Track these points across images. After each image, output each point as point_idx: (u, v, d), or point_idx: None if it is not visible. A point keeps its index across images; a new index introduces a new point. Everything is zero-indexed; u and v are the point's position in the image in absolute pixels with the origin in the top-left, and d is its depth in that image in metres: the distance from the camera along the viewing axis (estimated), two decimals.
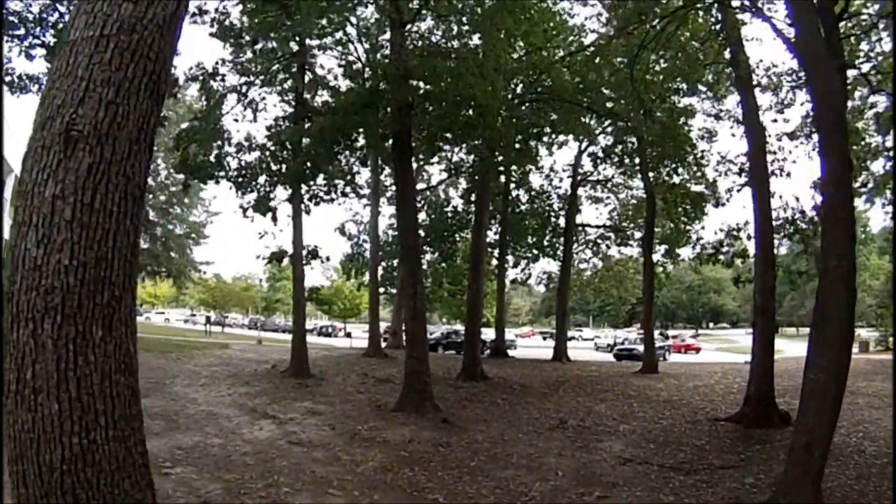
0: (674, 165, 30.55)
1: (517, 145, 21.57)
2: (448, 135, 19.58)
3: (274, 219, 24.05)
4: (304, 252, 24.84)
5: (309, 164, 20.29)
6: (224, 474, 9.91)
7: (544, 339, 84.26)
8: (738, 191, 24.23)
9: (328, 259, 25.43)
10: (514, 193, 39.91)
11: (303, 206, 24.78)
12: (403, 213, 17.84)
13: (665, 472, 11.33)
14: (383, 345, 38.46)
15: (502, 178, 37.27)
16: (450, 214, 40.65)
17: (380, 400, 18.06)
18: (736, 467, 11.61)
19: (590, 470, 11.42)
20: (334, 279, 67.67)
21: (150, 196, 57.58)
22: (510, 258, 42.99)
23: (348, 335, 60.36)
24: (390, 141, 18.44)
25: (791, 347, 43.49)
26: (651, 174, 31.43)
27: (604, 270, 46.66)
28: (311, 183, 23.64)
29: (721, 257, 23.91)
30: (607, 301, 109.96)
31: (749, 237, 22.13)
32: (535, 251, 42.20)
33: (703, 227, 34.26)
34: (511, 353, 42.78)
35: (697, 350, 57.05)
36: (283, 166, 22.82)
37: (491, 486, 10.19)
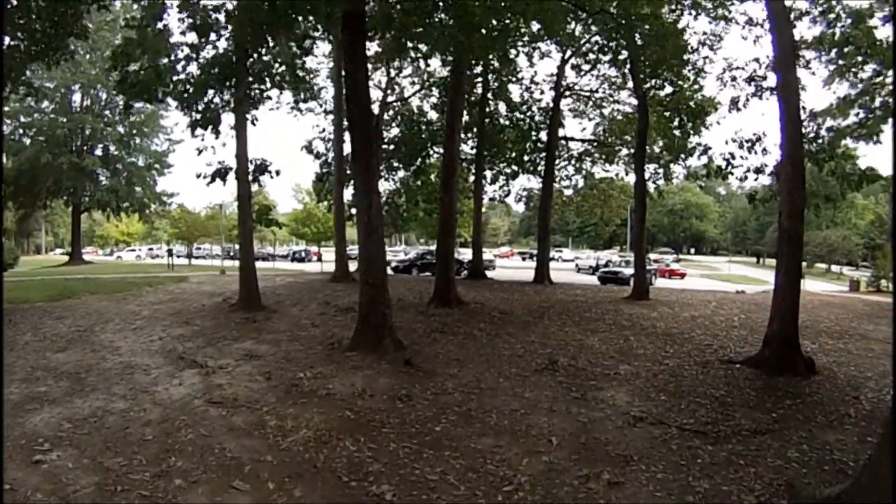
0: (670, 74, 27.49)
1: (494, 24, 18.69)
2: (414, 19, 16.33)
3: (216, 132, 21.55)
4: (251, 167, 21.83)
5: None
6: (109, 458, 7.62)
7: (524, 259, 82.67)
8: (748, 99, 21.26)
9: (278, 173, 22.27)
10: (492, 106, 37.60)
11: (248, 116, 22.19)
12: (354, 108, 14.42)
13: (687, 438, 8.83)
14: (353, 268, 36.02)
15: (479, 89, 35.97)
16: (423, 127, 38.08)
17: (336, 335, 15.46)
18: (771, 432, 9.15)
19: (592, 435, 8.91)
20: (306, 202, 64.76)
21: (108, 128, 56.13)
22: (488, 174, 40.77)
23: (319, 259, 59.49)
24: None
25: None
26: (644, 85, 28.30)
27: (587, 189, 44.17)
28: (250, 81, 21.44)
29: (733, 171, 21.01)
30: (587, 222, 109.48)
31: (765, 151, 19.34)
32: (515, 167, 39.57)
33: (698, 144, 31.89)
34: (489, 273, 40.92)
35: (682, 276, 55.17)
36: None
37: (461, 468, 7.67)
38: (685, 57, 25.87)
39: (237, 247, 79.63)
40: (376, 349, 13.24)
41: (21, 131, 54.52)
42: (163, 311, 20.25)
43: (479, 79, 35.74)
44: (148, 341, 15.27)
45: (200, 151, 21.56)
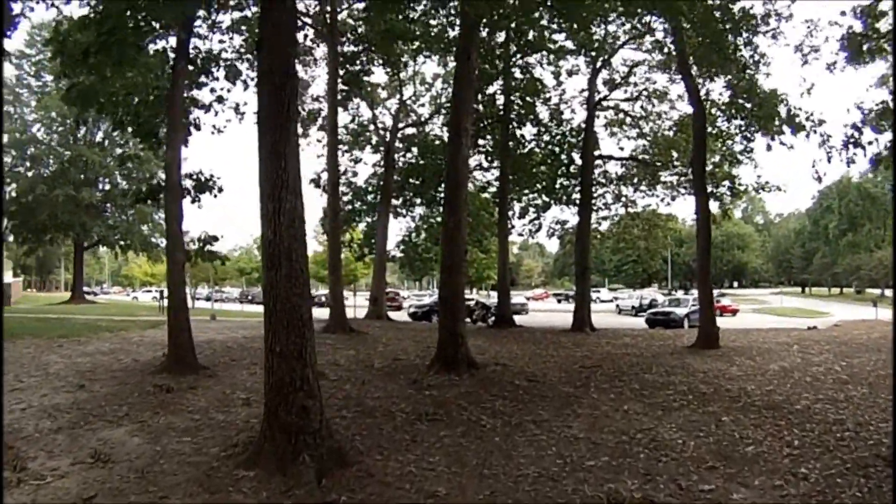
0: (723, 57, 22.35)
1: None
2: None
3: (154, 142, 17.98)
4: (189, 183, 16.96)
5: None
6: None
7: (559, 301, 76.86)
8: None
9: (220, 190, 17.63)
10: (517, 132, 33.55)
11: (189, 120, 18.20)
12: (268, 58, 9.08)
13: None
14: (363, 312, 35.84)
15: (498, 92, 32.25)
16: (439, 153, 34.12)
17: (253, 427, 9.71)
18: None
19: None
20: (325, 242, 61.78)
21: (109, 159, 53.15)
22: (515, 206, 36.32)
23: (317, 304, 54.26)
24: None
25: (840, 310, 35.59)
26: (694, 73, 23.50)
27: (627, 219, 38.59)
28: None
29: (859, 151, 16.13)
30: (625, 259, 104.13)
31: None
32: (546, 197, 35.28)
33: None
34: (521, 319, 35.95)
35: (734, 312, 49.34)
36: None
37: None
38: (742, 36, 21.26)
39: (251, 290, 79.65)
40: (287, 467, 7.73)
41: (18, 162, 53.80)
42: (77, 367, 15.93)
43: (496, 84, 32.14)
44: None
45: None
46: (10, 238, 56.42)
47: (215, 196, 17.86)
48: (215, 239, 17.64)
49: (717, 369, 16.01)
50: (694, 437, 9.41)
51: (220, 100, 20.66)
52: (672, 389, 13.18)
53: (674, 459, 8.42)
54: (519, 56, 31.69)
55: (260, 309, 34.17)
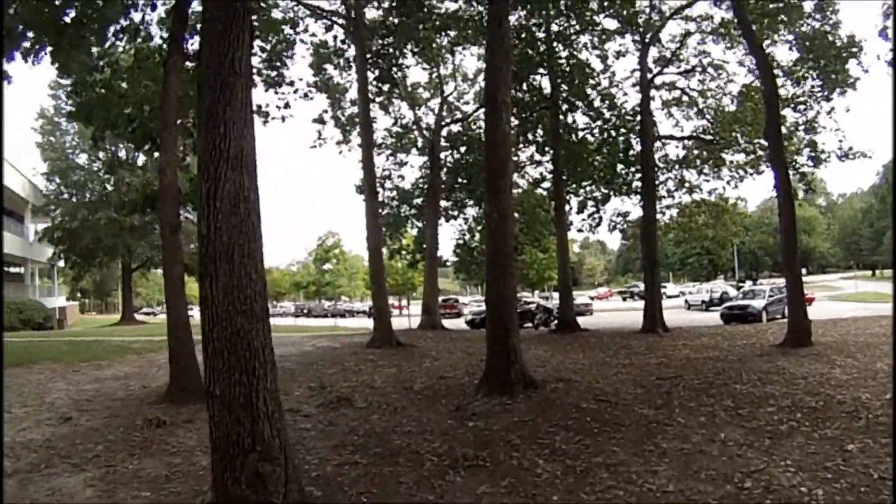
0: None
1: None
2: None
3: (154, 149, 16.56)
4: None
5: None
6: None
7: (624, 299, 74.37)
8: None
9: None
10: (568, 119, 31.51)
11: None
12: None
13: None
14: (415, 323, 34.95)
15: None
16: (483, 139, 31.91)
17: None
18: None
19: None
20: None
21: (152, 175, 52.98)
22: (573, 201, 34.14)
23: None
24: None
25: None
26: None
27: (692, 206, 36.00)
28: None
29: None
30: (689, 252, 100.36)
31: None
32: (604, 188, 33.13)
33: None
34: (585, 321, 33.89)
35: (811, 301, 45.78)
36: None
37: None
38: None
39: (307, 304, 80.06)
40: None
41: (61, 189, 55.61)
42: (78, 396, 14.73)
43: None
44: None
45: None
46: (61, 263, 58.03)
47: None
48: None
49: (819, 373, 13.46)
50: (821, 482, 6.91)
51: None
52: (773, 405, 10.66)
53: None
54: (560, 40, 29.81)
55: (317, 323, 33.62)
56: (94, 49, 16.57)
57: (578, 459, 8.06)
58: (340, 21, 28.86)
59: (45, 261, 57.68)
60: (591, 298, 62.52)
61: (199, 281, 6.47)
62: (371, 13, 29.32)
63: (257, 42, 23.20)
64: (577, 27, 29.46)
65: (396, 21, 27.17)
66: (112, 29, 16.33)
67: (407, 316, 42.82)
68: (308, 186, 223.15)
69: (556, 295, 49.47)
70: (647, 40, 29.58)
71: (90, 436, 10.49)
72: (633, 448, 8.47)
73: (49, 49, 15.65)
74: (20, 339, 32.18)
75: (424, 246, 37.76)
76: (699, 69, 30.98)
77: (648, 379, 13.97)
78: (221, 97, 6.34)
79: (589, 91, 30.93)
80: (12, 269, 54.11)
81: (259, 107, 22.55)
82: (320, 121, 34.87)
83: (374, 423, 10.65)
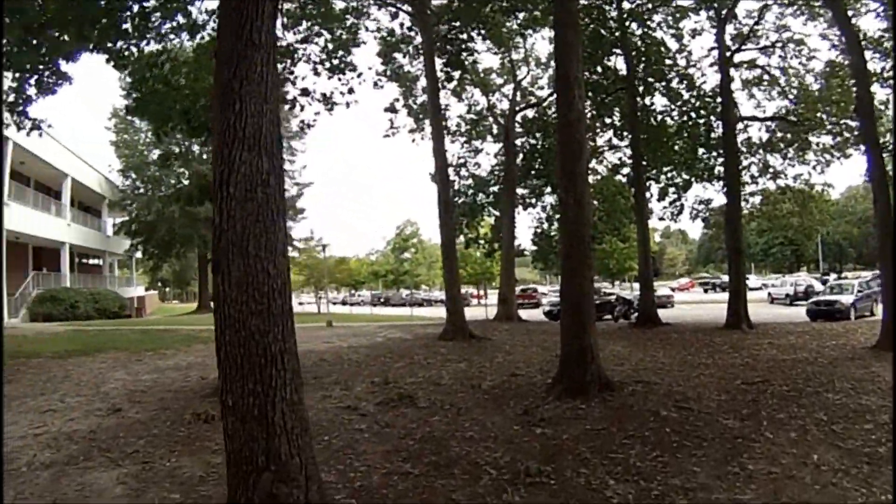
0: None
1: None
2: None
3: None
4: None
5: None
6: None
7: (706, 291, 72.14)
8: None
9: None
10: (645, 101, 30.59)
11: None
12: None
13: None
14: (492, 313, 34.78)
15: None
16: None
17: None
18: None
19: None
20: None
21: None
22: (653, 188, 33.11)
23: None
24: None
25: None
26: None
27: (777, 193, 34.22)
28: None
29: None
30: (772, 242, 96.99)
31: None
32: (685, 174, 31.97)
33: None
34: (666, 314, 32.46)
35: None
36: None
37: None
38: None
39: (383, 293, 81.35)
40: None
41: (138, 184, 57.94)
42: (134, 386, 14.82)
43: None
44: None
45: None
46: (139, 254, 60.37)
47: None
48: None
49: None
50: None
51: (304, 92, 18.82)
52: (870, 421, 9.56)
53: None
54: (633, 17, 29.05)
55: (393, 312, 33.53)
56: (154, 45, 16.85)
57: (654, 481, 7.24)
58: (406, 8, 28.50)
59: (123, 253, 60.24)
60: (672, 290, 61.25)
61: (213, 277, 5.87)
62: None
63: (321, 36, 23.14)
64: (650, 4, 28.71)
65: (460, 5, 26.63)
66: (169, 25, 16.63)
67: (484, 306, 42.23)
68: (389, 173, 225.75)
69: (635, 286, 48.24)
70: (722, 15, 28.22)
71: (135, 429, 10.34)
72: (715, 469, 7.60)
73: (106, 45, 15.99)
74: (92, 327, 33.10)
75: (501, 234, 37.27)
76: (779, 44, 29.41)
77: (733, 383, 13.01)
78: (237, 72, 5.70)
79: (666, 71, 30.03)
80: (91, 262, 56.16)
81: (324, 95, 21.94)
82: (392, 109, 34.85)
83: (434, 426, 10.05)
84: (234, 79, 5.70)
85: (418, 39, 29.22)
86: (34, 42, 16.18)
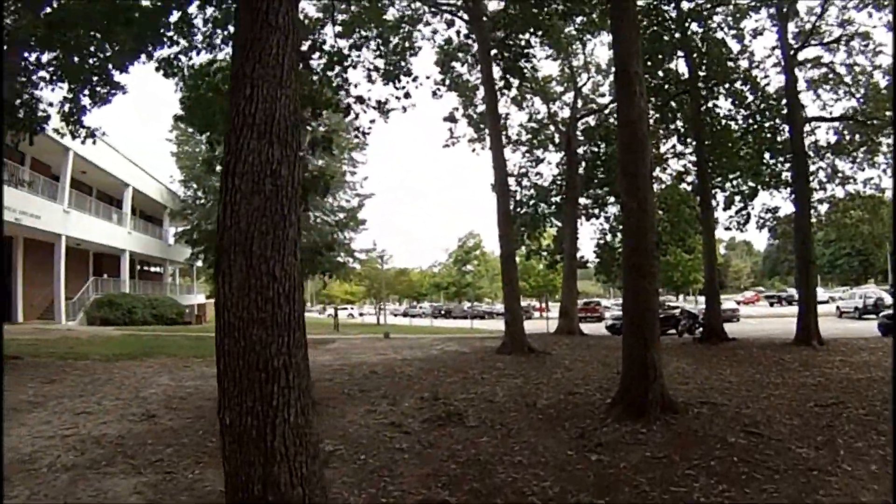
0: None
1: None
2: None
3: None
4: None
5: None
6: None
7: (772, 304, 70.73)
8: None
9: (326, 190, 16.57)
10: (709, 105, 29.66)
11: None
12: None
13: None
14: (553, 326, 34.36)
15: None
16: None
17: None
18: None
19: None
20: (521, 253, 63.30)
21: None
22: (718, 196, 31.96)
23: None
24: None
25: None
26: None
27: (846, 200, 32.57)
28: None
29: None
30: (839, 252, 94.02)
31: None
32: (752, 181, 30.65)
33: None
34: (732, 328, 31.03)
35: None
36: None
37: None
38: None
39: (445, 305, 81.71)
40: None
41: (199, 194, 57.18)
42: (174, 393, 14.95)
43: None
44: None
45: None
46: (200, 263, 60.47)
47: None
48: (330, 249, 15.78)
49: None
50: None
51: (359, 100, 18.64)
52: None
53: None
54: (693, 17, 28.18)
55: (453, 324, 33.20)
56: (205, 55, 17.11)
57: None
58: (462, 15, 28.25)
59: (184, 261, 61.03)
60: (738, 303, 59.59)
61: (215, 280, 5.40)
62: (492, 5, 29.10)
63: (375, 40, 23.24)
64: (709, 4, 28.12)
65: (515, 10, 26.20)
66: (220, 35, 16.80)
67: (546, 319, 41.60)
68: (447, 182, 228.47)
69: (700, 299, 47.04)
70: (784, 11, 27.35)
71: (164, 437, 10.25)
72: None
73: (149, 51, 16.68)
74: (146, 332, 34.13)
75: (563, 246, 36.69)
76: (845, 38, 28.18)
77: (805, 405, 12.11)
78: (251, 54, 5.19)
79: (729, 72, 29.17)
80: (153, 269, 57.08)
81: (379, 102, 21.56)
82: (451, 119, 34.75)
83: (482, 448, 9.47)
84: (246, 62, 5.20)
85: (475, 48, 28.78)
86: (84, 51, 16.70)
